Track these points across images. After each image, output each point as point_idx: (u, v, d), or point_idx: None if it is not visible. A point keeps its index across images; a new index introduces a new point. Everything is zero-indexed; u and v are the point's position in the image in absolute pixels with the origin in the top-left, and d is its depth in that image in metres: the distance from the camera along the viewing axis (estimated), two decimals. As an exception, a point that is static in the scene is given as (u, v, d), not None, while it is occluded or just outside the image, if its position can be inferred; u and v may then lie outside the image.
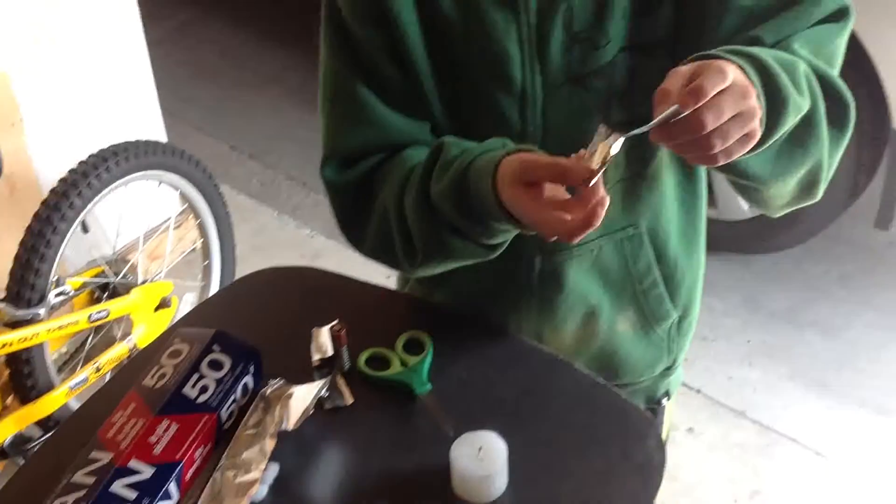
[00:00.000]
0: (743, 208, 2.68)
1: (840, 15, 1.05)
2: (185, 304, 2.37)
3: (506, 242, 1.06)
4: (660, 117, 0.84)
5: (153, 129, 2.75)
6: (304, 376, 1.14)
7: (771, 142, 0.92)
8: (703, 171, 1.23)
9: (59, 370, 2.19)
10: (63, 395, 2.07)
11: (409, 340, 1.20)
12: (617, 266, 1.21)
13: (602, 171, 0.87)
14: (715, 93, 0.82)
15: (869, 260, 2.81)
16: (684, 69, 0.86)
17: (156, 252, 2.66)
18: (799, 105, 0.92)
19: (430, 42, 1.09)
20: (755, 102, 0.86)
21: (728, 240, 2.82)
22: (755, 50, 0.93)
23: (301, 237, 3.06)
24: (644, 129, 0.86)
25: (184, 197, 2.43)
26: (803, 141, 0.97)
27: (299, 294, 1.33)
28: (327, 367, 1.17)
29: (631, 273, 1.22)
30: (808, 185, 1.04)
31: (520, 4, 1.05)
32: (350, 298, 1.30)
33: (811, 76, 0.97)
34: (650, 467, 1.02)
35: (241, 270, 2.70)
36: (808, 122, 0.96)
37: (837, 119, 1.01)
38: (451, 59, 1.10)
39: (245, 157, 3.47)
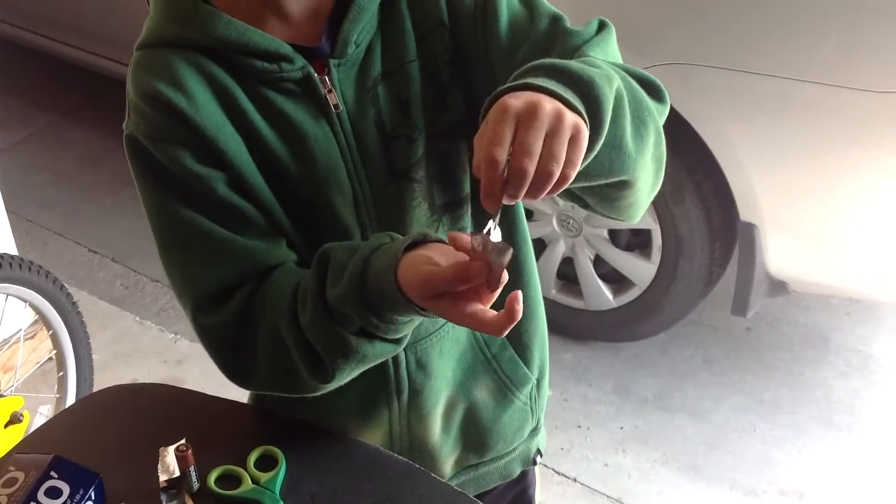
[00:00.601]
0: (609, 298, 2.74)
1: (601, 27, 1.07)
2: (40, 417, 2.26)
3: (409, 333, 1.04)
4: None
5: (1, 240, 2.65)
6: (151, 499, 1.08)
7: (606, 128, 0.89)
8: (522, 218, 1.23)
9: None
10: None
11: (262, 456, 1.17)
12: (465, 336, 1.22)
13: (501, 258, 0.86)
14: (509, 133, 0.81)
15: (730, 343, 2.90)
16: (481, 131, 0.85)
17: (7, 364, 2.54)
18: (612, 88, 0.90)
19: (264, 172, 1.08)
20: (556, 106, 0.83)
21: (596, 329, 2.88)
22: (547, 60, 0.92)
23: (165, 341, 2.97)
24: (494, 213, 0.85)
25: (34, 309, 2.34)
26: (637, 113, 0.95)
27: (149, 412, 1.29)
28: (175, 488, 1.12)
29: (479, 341, 1.23)
30: (659, 157, 1.02)
31: (333, 117, 1.07)
32: (201, 414, 1.26)
33: (608, 64, 0.96)
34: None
35: (101, 378, 2.60)
36: (631, 96, 0.95)
37: (654, 93, 1.02)
38: (286, 182, 1.09)
39: (107, 260, 3.38)
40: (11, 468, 1.08)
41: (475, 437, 1.28)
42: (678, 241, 2.56)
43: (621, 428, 2.65)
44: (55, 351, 2.42)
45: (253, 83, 1.05)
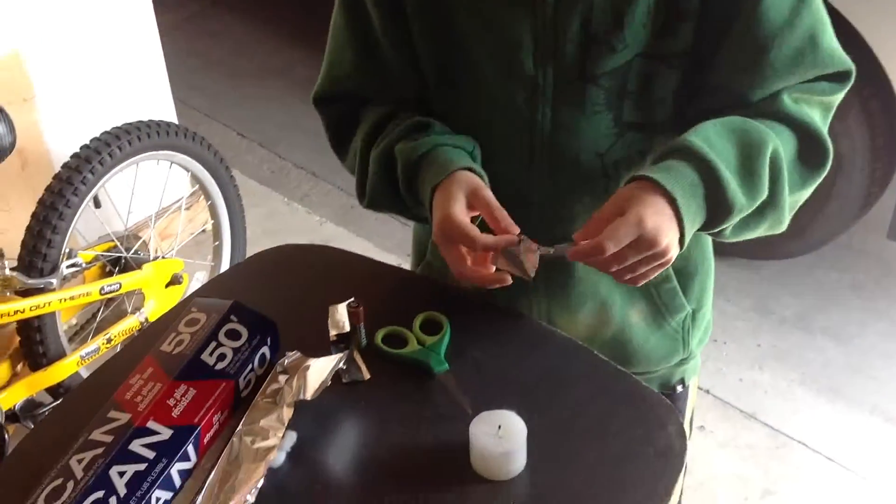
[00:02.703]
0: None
1: (842, 77, 1.11)
2: (196, 282, 2.36)
3: None
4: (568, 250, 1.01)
5: (164, 111, 2.75)
6: (321, 350, 1.13)
7: (716, 231, 1.06)
8: None
9: (71, 340, 2.19)
10: (74, 364, 2.07)
11: (426, 321, 1.19)
12: None
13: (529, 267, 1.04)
14: (627, 241, 0.97)
15: (882, 270, 2.80)
16: (611, 208, 1.00)
17: (167, 231, 2.66)
18: (748, 204, 1.03)
19: (438, 30, 1.13)
20: (671, 243, 0.99)
21: (737, 246, 2.80)
22: (717, 146, 1.02)
23: (311, 223, 3.06)
24: (556, 254, 1.04)
25: (194, 178, 2.42)
26: (762, 213, 1.08)
27: (315, 271, 1.32)
28: (344, 342, 1.17)
29: None
30: (773, 227, 1.12)
31: None
32: (366, 278, 1.30)
33: (779, 154, 1.05)
34: (671, 454, 1.01)
35: (252, 253, 2.68)
36: (766, 203, 1.06)
37: (812, 160, 1.09)
38: (461, 41, 1.12)
39: (255, 144, 3.46)
40: (193, 309, 1.13)
41: (619, 354, 1.27)
42: (837, 159, 2.44)
43: (758, 345, 2.61)
44: (212, 221, 2.51)
45: None
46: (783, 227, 1.12)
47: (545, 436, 1.03)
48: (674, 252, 1.00)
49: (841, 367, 2.52)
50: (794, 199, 1.10)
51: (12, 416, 1.96)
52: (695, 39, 1.08)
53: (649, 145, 1.14)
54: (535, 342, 1.17)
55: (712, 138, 1.03)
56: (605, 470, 1.00)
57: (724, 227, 1.06)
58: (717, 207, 1.03)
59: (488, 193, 1.07)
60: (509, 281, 1.06)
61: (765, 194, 1.05)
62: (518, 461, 0.99)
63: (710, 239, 1.27)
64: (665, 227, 0.98)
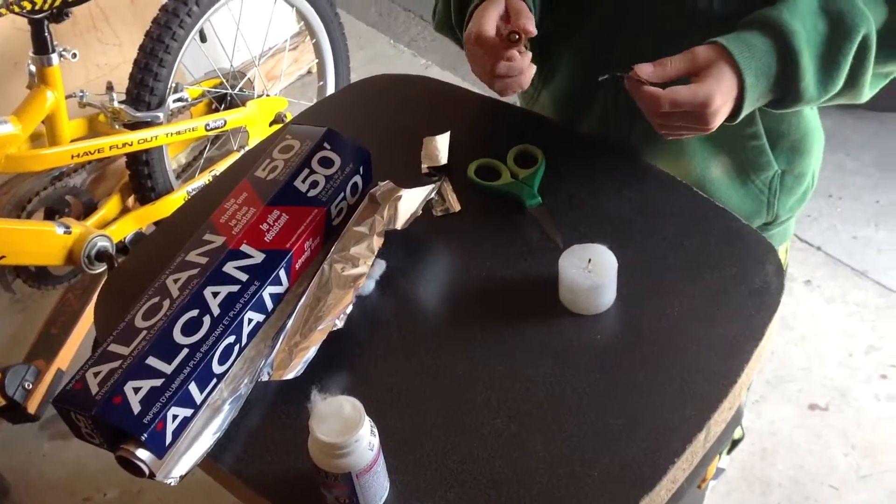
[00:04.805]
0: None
1: None
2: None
3: None
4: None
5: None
6: (414, 181, 1.12)
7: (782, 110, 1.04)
8: None
9: (178, 176, 2.24)
10: (181, 199, 2.12)
11: (521, 154, 1.17)
12: None
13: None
14: (674, 109, 0.96)
15: None
16: (680, 65, 0.97)
17: (272, 73, 2.66)
18: (817, 96, 1.01)
19: None
20: (714, 126, 0.98)
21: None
22: (808, 24, 0.97)
23: (416, 66, 3.02)
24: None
25: (300, 16, 2.40)
26: (836, 96, 1.03)
27: (410, 102, 1.31)
28: (437, 174, 1.15)
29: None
30: (849, 100, 1.07)
31: None
32: (462, 108, 1.27)
33: (870, 38, 0.99)
34: (767, 292, 0.97)
35: (356, 95, 2.68)
36: (842, 88, 1.02)
37: None
38: None
39: (363, -15, 3.40)
40: (288, 136, 1.13)
41: None
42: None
43: (877, 201, 2.49)
44: (317, 60, 2.49)
45: None
46: (862, 101, 1.07)
47: (638, 270, 1.01)
48: (715, 127, 0.99)
49: (964, 226, 2.39)
50: (887, 70, 1.04)
51: (123, 248, 2.04)
52: None
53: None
54: (632, 177, 1.13)
55: (805, 14, 0.98)
56: (698, 306, 0.97)
57: (790, 110, 1.05)
58: (785, 96, 1.01)
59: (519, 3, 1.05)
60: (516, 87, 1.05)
61: (839, 85, 1.01)
62: (607, 296, 0.97)
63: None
64: (723, 112, 0.98)
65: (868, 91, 1.05)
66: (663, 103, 0.96)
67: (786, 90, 1.00)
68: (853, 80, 1.02)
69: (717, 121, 0.98)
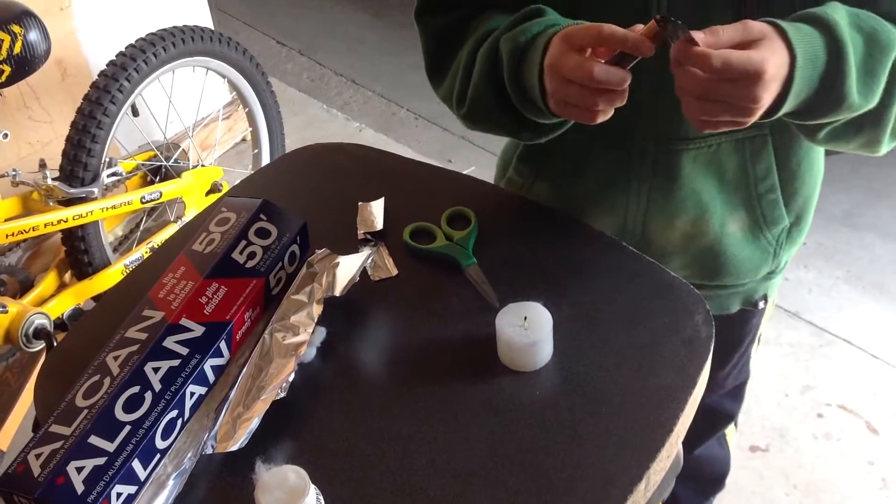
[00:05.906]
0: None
1: None
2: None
3: (540, 134, 1.09)
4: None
5: (200, 18, 2.74)
6: (350, 247, 1.13)
7: (816, 124, 0.99)
8: None
9: (115, 250, 2.23)
10: (119, 273, 2.11)
11: (454, 215, 1.19)
12: (735, 166, 1.18)
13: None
14: (725, 69, 0.87)
15: (933, 164, 2.73)
16: (734, 34, 0.89)
17: (206, 142, 2.67)
18: (858, 103, 0.96)
19: None
20: (763, 101, 0.90)
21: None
22: (849, 31, 0.95)
23: (350, 130, 3.05)
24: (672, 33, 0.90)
25: (232, 86, 2.42)
26: (861, 125, 1.01)
27: (343, 169, 1.32)
28: (373, 240, 1.17)
29: (748, 175, 1.18)
30: (869, 144, 1.06)
31: None
32: (394, 173, 1.29)
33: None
34: (698, 341, 1.00)
35: (291, 161, 2.70)
36: (870, 113, 0.99)
37: None
38: None
39: (294, 52, 3.44)
40: (224, 209, 1.14)
41: (710, 264, 1.24)
42: None
43: (804, 243, 2.56)
44: (250, 129, 2.52)
45: None
46: (880, 148, 1.06)
47: (572, 326, 1.03)
48: (757, 116, 0.92)
49: (887, 264, 2.48)
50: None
51: (61, 324, 2.01)
52: None
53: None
54: (564, 235, 1.16)
55: (846, 21, 0.97)
56: (632, 358, 1.00)
57: (824, 120, 0.99)
58: (828, 91, 0.96)
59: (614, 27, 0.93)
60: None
61: (875, 101, 0.98)
62: (544, 351, 1.00)
63: (822, 154, 1.25)
64: (772, 90, 0.91)
65: (889, 134, 1.04)
66: (715, 61, 0.87)
67: (831, 84, 0.95)
68: (887, 101, 1.00)
69: (765, 100, 0.90)
